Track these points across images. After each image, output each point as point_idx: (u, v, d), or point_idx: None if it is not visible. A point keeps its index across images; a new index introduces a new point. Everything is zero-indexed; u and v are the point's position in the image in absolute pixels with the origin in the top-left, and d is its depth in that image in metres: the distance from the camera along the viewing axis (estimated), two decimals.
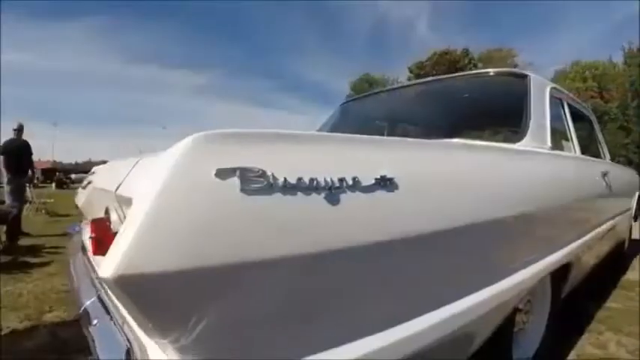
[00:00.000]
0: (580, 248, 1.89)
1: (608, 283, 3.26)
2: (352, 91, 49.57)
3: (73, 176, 32.63)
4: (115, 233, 0.71)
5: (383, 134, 2.73)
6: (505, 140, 1.88)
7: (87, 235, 1.26)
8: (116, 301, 0.74)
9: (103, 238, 0.82)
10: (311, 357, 0.68)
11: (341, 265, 0.71)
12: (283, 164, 0.67)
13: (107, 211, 0.91)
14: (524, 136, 1.78)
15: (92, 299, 0.97)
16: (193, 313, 0.59)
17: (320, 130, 2.90)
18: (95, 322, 0.86)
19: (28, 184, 6.91)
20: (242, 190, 0.61)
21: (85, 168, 40.45)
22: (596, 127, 3.51)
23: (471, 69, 45.94)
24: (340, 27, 76.71)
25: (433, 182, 0.96)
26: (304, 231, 0.67)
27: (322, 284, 0.70)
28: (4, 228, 5.11)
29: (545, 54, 64.63)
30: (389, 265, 0.80)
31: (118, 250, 0.55)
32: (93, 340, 0.81)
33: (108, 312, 0.90)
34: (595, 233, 2.22)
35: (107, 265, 0.54)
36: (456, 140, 1.58)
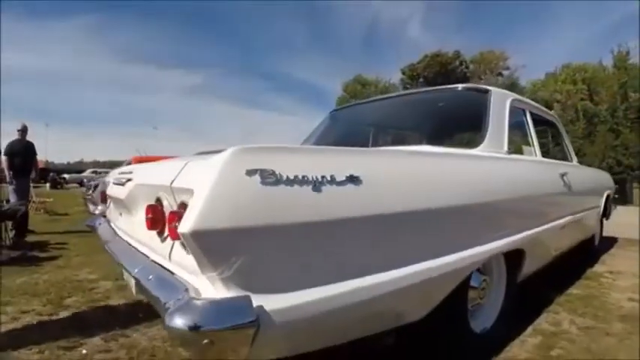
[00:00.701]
0: (532, 237, 2.24)
1: (574, 275, 3.61)
2: (344, 92, 49.95)
3: (66, 176, 32.79)
4: (166, 213, 1.06)
5: (367, 139, 3.12)
6: (466, 146, 2.23)
7: (134, 219, 1.63)
8: (173, 258, 1.10)
9: (158, 217, 1.17)
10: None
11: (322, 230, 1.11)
12: (285, 166, 1.05)
13: (158, 199, 1.25)
14: (483, 142, 2.16)
15: (141, 265, 1.31)
16: (235, 255, 0.98)
17: (313, 133, 3.28)
18: (150, 277, 1.19)
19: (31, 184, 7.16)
20: (261, 182, 1.00)
21: (78, 168, 40.47)
22: (563, 132, 3.88)
23: (462, 71, 46.42)
24: (333, 28, 77.34)
25: (407, 179, 1.41)
26: (296, 207, 1.06)
27: (306, 237, 1.10)
28: (10, 225, 5.34)
29: (538, 56, 65.30)
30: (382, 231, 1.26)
31: (189, 218, 0.93)
32: (153, 289, 1.14)
33: (152, 273, 1.25)
34: (550, 226, 2.57)
35: (184, 226, 0.93)
36: (424, 147, 1.96)
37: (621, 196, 12.51)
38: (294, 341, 1.14)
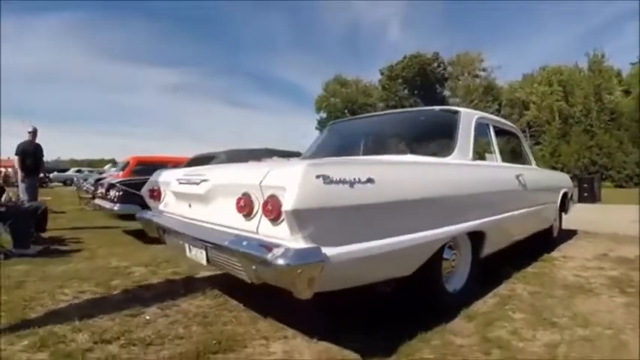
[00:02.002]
0: (490, 222, 3.04)
1: (532, 258, 4.41)
2: (324, 91, 50.99)
3: (50, 175, 32.69)
4: (256, 202, 1.82)
5: (366, 147, 3.93)
6: (440, 155, 3.02)
7: (213, 207, 2.37)
8: (260, 230, 1.85)
9: (248, 204, 1.94)
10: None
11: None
12: (334, 173, 1.81)
13: (246, 193, 1.98)
14: (452, 152, 2.98)
15: (231, 237, 2.02)
16: (311, 223, 1.74)
17: (316, 141, 4.09)
18: (244, 242, 1.91)
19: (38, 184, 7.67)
20: (323, 182, 1.76)
21: (56, 167, 40.14)
22: (523, 141, 4.75)
23: (441, 72, 47.84)
24: (314, 28, 78.22)
25: (401, 179, 2.24)
26: (340, 196, 1.83)
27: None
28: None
29: (516, 57, 67.69)
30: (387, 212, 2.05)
31: (289, 203, 1.69)
32: (249, 249, 1.86)
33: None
34: (507, 215, 3.39)
35: (287, 206, 1.69)
36: (411, 156, 2.78)
37: (590, 195, 13.54)
38: (342, 277, 1.93)
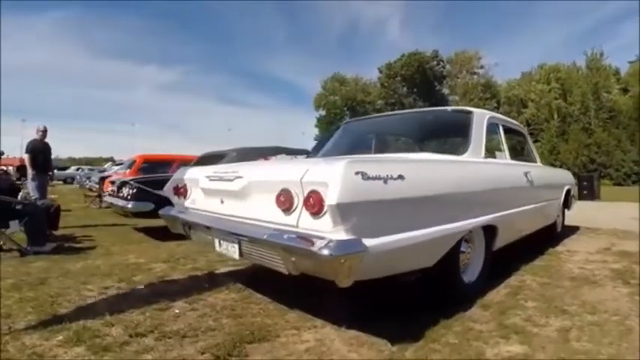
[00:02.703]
0: (502, 217, 3.22)
1: (538, 252, 4.59)
2: (323, 89, 51.20)
3: (50, 173, 32.56)
4: (297, 197, 1.99)
5: (372, 147, 4.12)
6: (456, 153, 3.21)
7: (248, 203, 2.52)
8: (300, 224, 2.02)
9: (288, 199, 2.10)
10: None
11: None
12: (370, 170, 1.98)
13: (286, 189, 2.11)
14: (467, 150, 3.16)
15: (269, 232, 2.16)
16: (353, 216, 1.91)
17: (329, 140, 4.26)
18: (285, 236, 2.06)
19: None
20: (361, 178, 1.93)
21: (56, 165, 40.09)
22: (529, 140, 4.96)
23: (440, 70, 48.15)
24: (312, 26, 78.33)
25: (426, 176, 2.43)
26: (376, 191, 2.00)
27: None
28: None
29: (515, 55, 68.09)
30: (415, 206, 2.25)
31: (333, 197, 1.85)
32: (291, 242, 2.01)
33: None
34: (516, 211, 3.56)
35: (331, 200, 1.86)
36: (429, 154, 2.96)
37: (589, 193, 13.77)
38: (378, 266, 2.10)
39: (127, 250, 4.88)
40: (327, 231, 1.93)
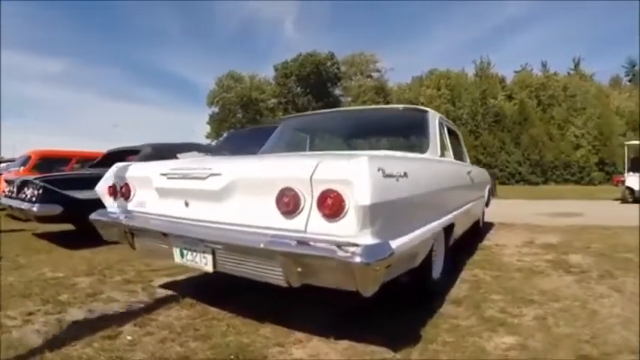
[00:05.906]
0: (458, 216, 3.37)
1: (472, 248, 4.91)
2: (218, 86, 50.21)
3: None
4: (305, 198, 1.86)
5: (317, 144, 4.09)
6: (418, 151, 3.28)
7: (227, 204, 2.26)
8: (309, 229, 1.89)
9: (294, 200, 1.92)
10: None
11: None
12: (391, 166, 1.96)
13: (289, 188, 1.91)
14: (427, 149, 3.25)
15: (268, 238, 1.93)
16: (381, 218, 1.82)
17: (272, 137, 4.14)
18: (292, 243, 1.87)
19: None
20: (383, 175, 1.86)
21: None
22: (462, 140, 5.26)
23: (334, 71, 49.75)
24: (206, 23, 75.89)
25: (423, 174, 2.44)
26: (390, 190, 1.94)
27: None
28: None
29: (406, 60, 72.71)
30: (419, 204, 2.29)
31: (364, 196, 1.73)
32: (302, 249, 1.84)
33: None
34: (465, 207, 3.77)
35: (363, 201, 1.73)
36: (391, 151, 3.01)
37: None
38: (394, 269, 1.99)
39: (39, 262, 4.24)
40: (347, 235, 1.79)
